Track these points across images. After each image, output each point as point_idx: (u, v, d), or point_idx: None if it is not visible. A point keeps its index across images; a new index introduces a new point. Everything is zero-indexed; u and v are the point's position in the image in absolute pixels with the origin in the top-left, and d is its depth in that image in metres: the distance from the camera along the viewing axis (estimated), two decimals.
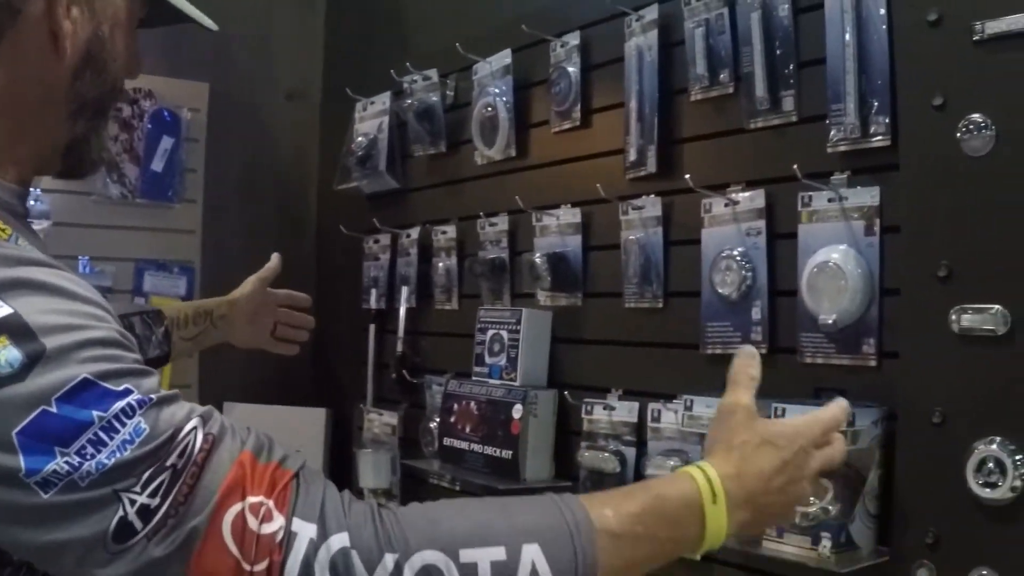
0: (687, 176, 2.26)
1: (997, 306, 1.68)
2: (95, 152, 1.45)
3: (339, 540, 1.12)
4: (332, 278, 3.90)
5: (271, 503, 1.12)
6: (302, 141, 4.13)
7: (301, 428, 3.79)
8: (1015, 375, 1.66)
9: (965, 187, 1.73)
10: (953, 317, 1.73)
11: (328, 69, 4.13)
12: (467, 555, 1.16)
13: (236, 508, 1.11)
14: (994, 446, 1.67)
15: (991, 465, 1.66)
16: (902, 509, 1.83)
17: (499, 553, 1.17)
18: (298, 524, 1.12)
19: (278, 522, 1.11)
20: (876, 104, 1.95)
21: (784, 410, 1.89)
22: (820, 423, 1.55)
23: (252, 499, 1.12)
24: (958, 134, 1.73)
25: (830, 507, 1.84)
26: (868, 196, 1.97)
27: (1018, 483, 1.64)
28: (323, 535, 1.12)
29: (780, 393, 2.02)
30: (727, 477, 1.40)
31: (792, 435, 1.50)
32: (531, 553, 1.18)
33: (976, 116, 1.72)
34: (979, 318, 1.70)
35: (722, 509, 1.37)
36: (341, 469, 3.57)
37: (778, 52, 2.16)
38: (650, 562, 1.32)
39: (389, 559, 1.13)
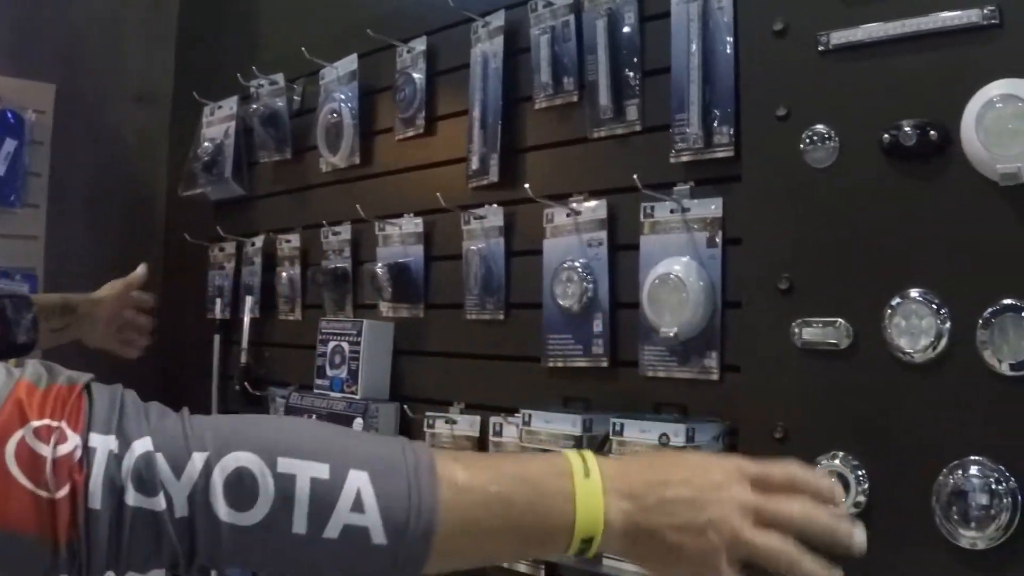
0: (527, 185, 2.14)
1: (839, 319, 1.59)
2: None
3: (141, 445, 1.01)
4: (180, 287, 3.70)
5: (63, 424, 1.00)
6: (151, 145, 3.91)
7: None
8: (857, 389, 1.56)
9: (807, 199, 1.64)
10: (795, 330, 1.63)
11: (179, 72, 3.92)
12: (286, 464, 1.03)
13: (16, 437, 0.98)
14: (837, 461, 1.57)
15: (833, 480, 1.56)
16: None
17: (322, 471, 1.04)
18: (96, 439, 1.00)
19: (73, 441, 0.99)
20: (720, 114, 1.84)
21: (622, 425, 1.77)
22: (776, 469, 1.23)
23: (36, 423, 0.99)
24: (801, 145, 1.64)
25: None
26: (711, 207, 1.87)
27: (861, 499, 1.54)
28: (124, 444, 1.01)
29: (620, 408, 1.92)
30: (606, 462, 1.17)
31: (718, 457, 1.29)
32: (358, 480, 1.04)
33: (820, 127, 1.62)
34: (821, 332, 1.60)
35: (596, 486, 1.13)
36: None
37: (623, 61, 2.05)
38: (510, 533, 1.12)
39: (198, 458, 1.02)
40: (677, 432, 1.70)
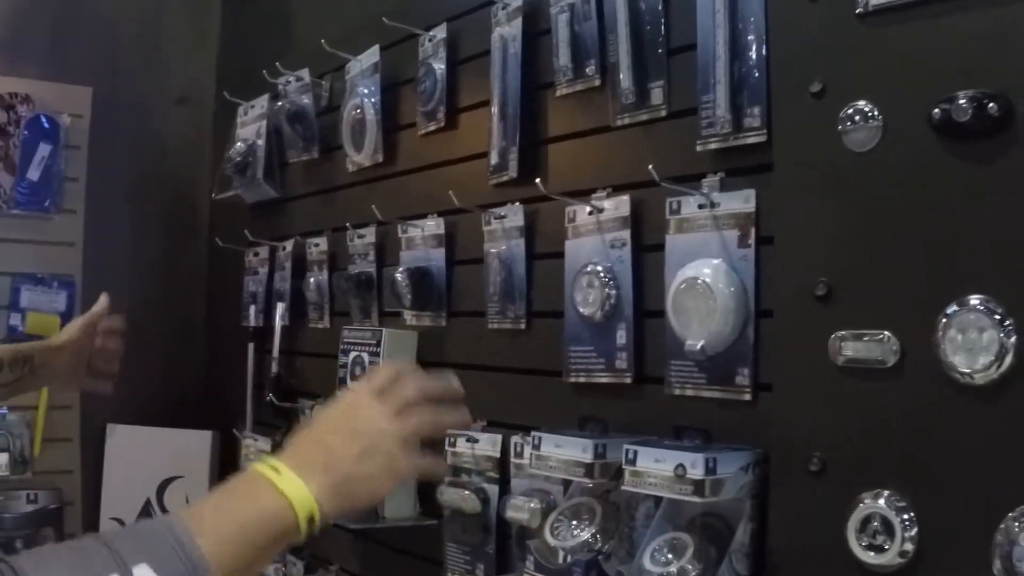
0: (537, 180, 1.87)
1: (885, 332, 1.29)
2: None
3: None
4: (221, 293, 3.49)
5: None
6: (192, 148, 3.71)
7: (187, 451, 3.41)
8: (905, 416, 1.26)
9: (846, 188, 1.34)
10: (834, 345, 1.34)
11: (220, 72, 3.71)
12: None
13: None
14: (881, 501, 1.28)
15: (876, 524, 1.27)
16: (775, 573, 1.43)
17: None
18: None
19: None
20: (749, 93, 1.55)
21: (636, 453, 1.49)
22: (377, 375, 1.50)
23: None
24: (839, 126, 1.34)
25: (689, 567, 1.44)
26: (742, 201, 1.57)
27: (908, 547, 1.24)
28: None
29: (642, 430, 1.64)
30: (285, 455, 1.36)
31: (346, 394, 1.51)
32: (143, 571, 1.15)
33: (860, 103, 1.32)
34: (864, 346, 1.31)
35: (289, 475, 1.32)
36: None
37: (646, 38, 1.77)
38: (257, 547, 1.28)
39: None
40: (695, 463, 1.41)
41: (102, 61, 3.54)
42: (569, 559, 1.68)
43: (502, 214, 2.07)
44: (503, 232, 2.07)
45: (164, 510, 3.34)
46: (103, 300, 2.36)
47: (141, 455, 3.40)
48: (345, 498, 1.37)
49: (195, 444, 3.41)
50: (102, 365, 2.35)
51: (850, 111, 1.33)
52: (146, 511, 3.36)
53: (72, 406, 3.40)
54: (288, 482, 1.31)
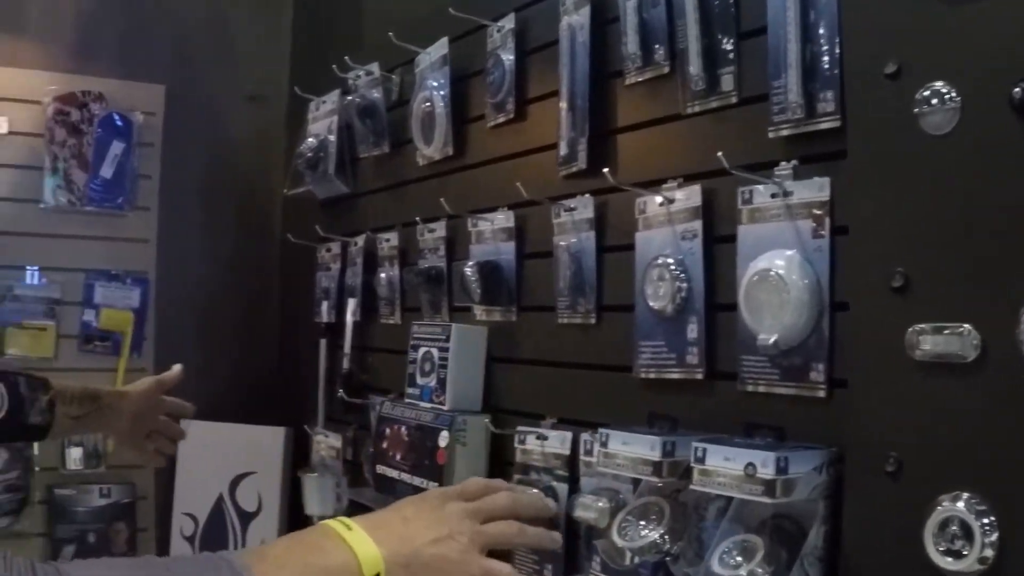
0: (606, 171, 1.81)
1: (965, 325, 1.22)
2: None
3: None
4: (293, 289, 3.48)
5: None
6: (265, 145, 3.72)
7: (259, 447, 3.42)
8: (987, 414, 1.20)
9: (923, 174, 1.28)
10: (911, 339, 1.28)
11: (293, 68, 3.71)
12: None
13: None
14: (960, 504, 1.21)
15: (955, 528, 1.21)
16: None
17: None
18: None
19: None
20: (822, 77, 1.49)
21: (705, 451, 1.44)
22: (469, 483, 1.56)
23: None
24: (915, 108, 1.28)
25: (759, 570, 1.39)
26: (816, 190, 1.51)
27: (988, 553, 1.17)
28: None
29: (714, 427, 1.59)
30: (359, 517, 1.42)
31: (435, 490, 1.56)
32: None
33: (937, 84, 1.26)
34: (943, 340, 1.25)
35: (361, 535, 1.37)
36: (299, 492, 3.12)
37: (716, 23, 1.71)
38: None
39: None
40: (766, 462, 1.36)
41: (174, 59, 3.57)
42: (636, 560, 1.64)
43: (572, 206, 2.02)
44: (573, 225, 2.03)
45: (236, 506, 3.36)
46: (176, 369, 2.43)
47: (214, 450, 3.41)
48: (411, 574, 1.39)
49: (268, 440, 3.42)
50: (162, 443, 2.42)
51: (926, 93, 1.27)
52: (218, 507, 3.37)
53: None
54: (359, 540, 1.36)
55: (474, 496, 1.49)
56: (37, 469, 3.28)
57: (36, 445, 3.26)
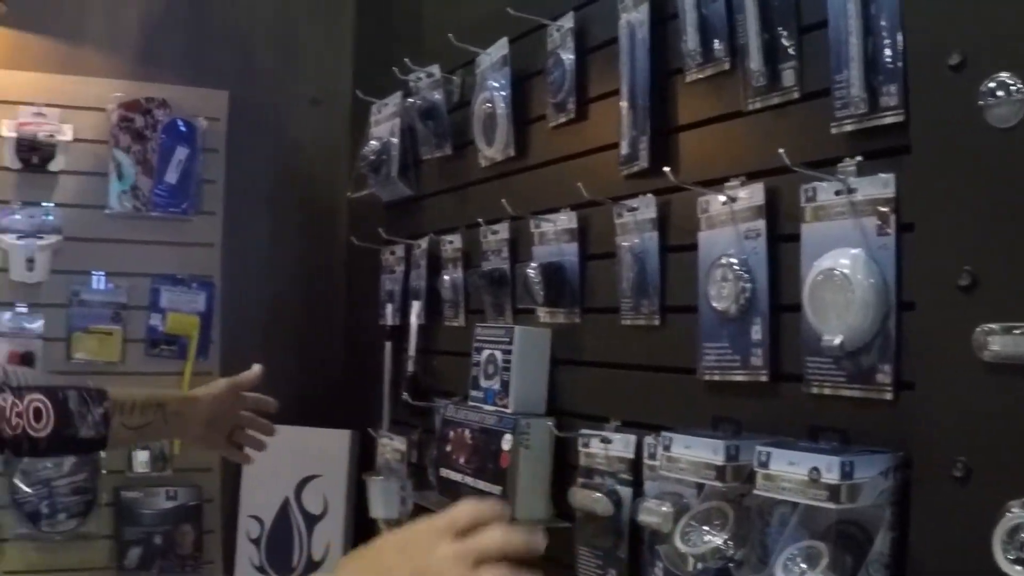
0: (668, 170, 1.79)
1: None
2: None
3: None
4: (360, 291, 3.50)
5: None
6: (330, 148, 3.75)
7: (325, 450, 3.44)
8: None
9: (989, 169, 1.25)
10: (979, 339, 1.24)
11: (355, 72, 3.72)
12: None
13: None
14: None
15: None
16: None
17: None
18: None
19: None
20: (885, 70, 1.46)
21: (768, 455, 1.41)
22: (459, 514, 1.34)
23: None
24: (980, 101, 1.24)
25: None
26: (880, 186, 1.48)
27: None
28: None
29: (779, 430, 1.56)
30: (341, 561, 1.33)
31: (422, 521, 1.37)
32: None
33: (1002, 76, 1.23)
34: (1012, 340, 1.21)
35: None
36: (365, 495, 3.13)
37: (775, 17, 1.69)
38: None
39: None
40: (831, 466, 1.33)
41: (237, 65, 3.60)
42: (699, 566, 1.61)
43: (634, 206, 2.01)
44: (635, 225, 2.01)
45: (302, 508, 3.38)
46: (256, 370, 2.35)
47: (280, 454, 3.40)
48: None
49: (333, 443, 3.43)
50: (246, 439, 2.38)
51: (991, 84, 1.23)
52: (284, 509, 3.40)
53: None
54: None
55: (465, 528, 1.33)
56: (104, 472, 3.32)
57: None
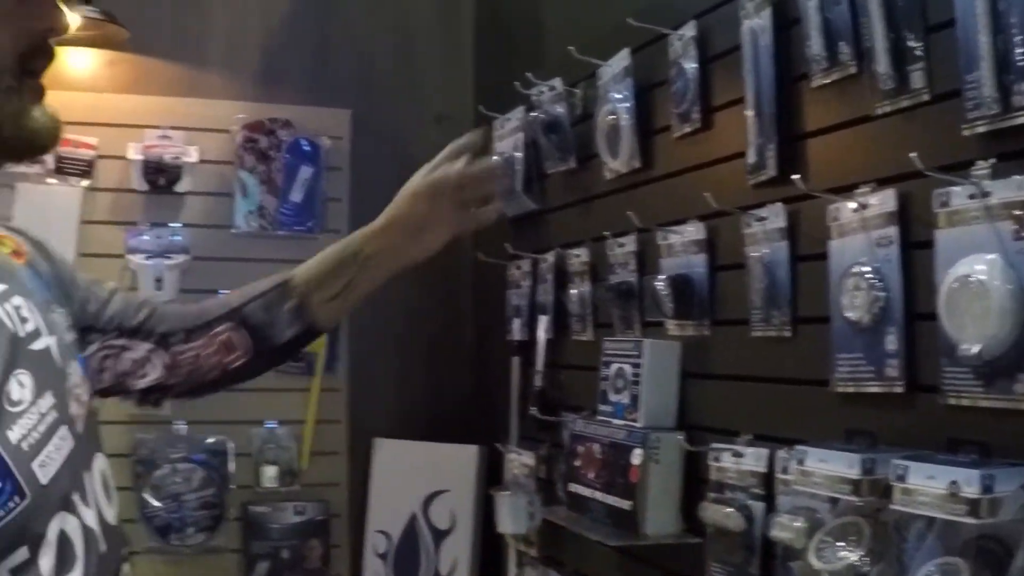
0: (797, 177, 1.78)
1: None
2: (9, 131, 1.18)
3: None
4: (485, 307, 3.51)
5: None
6: None
7: (453, 465, 3.47)
8: None
9: None
10: None
11: (477, 88, 3.74)
12: None
13: None
14: None
15: None
16: None
17: None
18: None
19: None
20: (1017, 68, 1.42)
21: (906, 469, 1.39)
22: None
23: None
24: None
25: None
26: (1016, 188, 1.44)
27: None
28: None
29: (916, 443, 1.55)
30: None
31: None
32: None
33: None
34: None
35: None
36: (492, 510, 3.15)
37: (902, 18, 1.66)
38: None
39: None
40: (970, 480, 1.31)
41: (359, 84, 3.67)
42: None
43: (763, 216, 1.99)
44: (764, 235, 1.99)
45: (429, 524, 3.42)
46: (475, 135, 2.06)
47: (407, 469, 3.47)
48: None
49: (461, 458, 3.46)
50: (467, 209, 2.03)
51: None
52: (412, 525, 3.44)
53: (341, 421, 3.57)
54: None
55: None
56: (233, 487, 3.39)
57: (232, 463, 3.39)
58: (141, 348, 1.68)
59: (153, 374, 1.69)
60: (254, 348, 1.78)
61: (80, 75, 3.39)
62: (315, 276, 1.87)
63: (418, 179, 2.00)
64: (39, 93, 1.22)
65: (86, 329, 1.57)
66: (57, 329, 1.30)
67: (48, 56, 1.22)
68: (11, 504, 1.04)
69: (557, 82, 2.83)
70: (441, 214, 1.96)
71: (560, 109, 2.82)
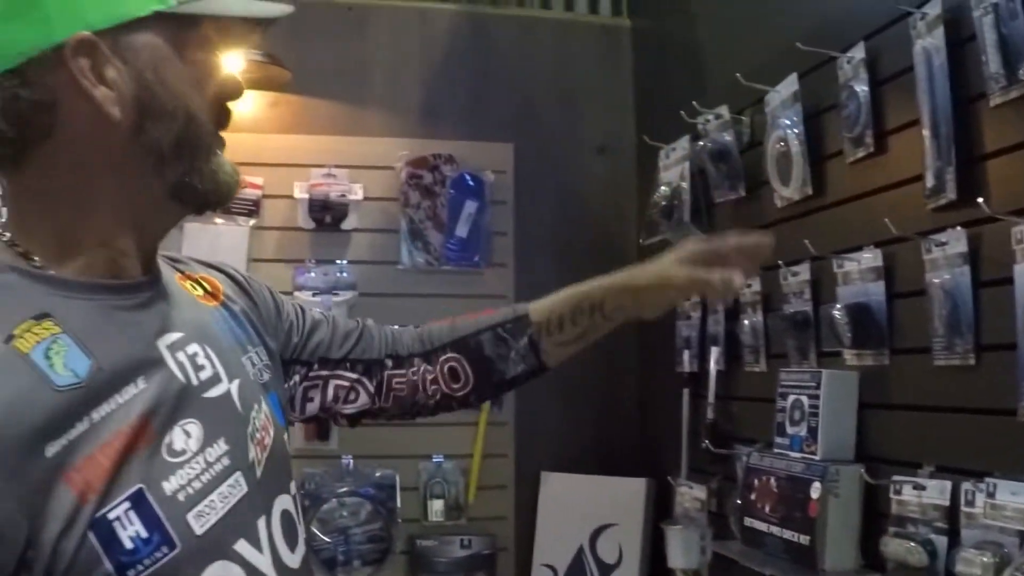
0: (980, 200, 1.77)
1: None
2: (205, 185, 1.30)
3: None
4: (652, 339, 3.51)
5: None
6: (617, 196, 3.80)
7: (620, 499, 3.48)
8: None
9: None
10: None
11: (639, 118, 3.76)
12: None
13: None
14: None
15: None
16: None
17: None
18: None
19: None
20: None
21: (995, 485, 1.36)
22: None
23: None
24: None
25: None
26: None
27: None
28: None
29: None
30: None
31: None
32: None
33: None
34: None
35: None
36: (660, 544, 3.14)
37: None
38: None
39: None
40: None
41: (521, 118, 3.72)
42: None
43: (943, 240, 1.96)
44: (945, 260, 1.97)
45: (596, 558, 3.43)
46: (757, 238, 1.89)
47: (574, 502, 3.49)
48: None
49: (628, 492, 3.46)
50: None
51: None
52: (578, 558, 3.45)
53: (508, 455, 3.61)
54: None
55: None
56: (399, 521, 3.44)
57: (399, 497, 3.45)
58: (346, 378, 1.71)
59: (361, 401, 1.73)
60: (477, 379, 1.78)
61: (245, 117, 3.49)
62: (554, 319, 1.83)
63: (689, 247, 1.88)
64: (223, 146, 1.34)
65: (290, 361, 1.64)
66: (243, 372, 1.35)
67: (230, 116, 1.37)
68: (158, 555, 1.08)
69: (723, 110, 2.84)
70: (694, 279, 1.84)
71: (728, 137, 2.83)
